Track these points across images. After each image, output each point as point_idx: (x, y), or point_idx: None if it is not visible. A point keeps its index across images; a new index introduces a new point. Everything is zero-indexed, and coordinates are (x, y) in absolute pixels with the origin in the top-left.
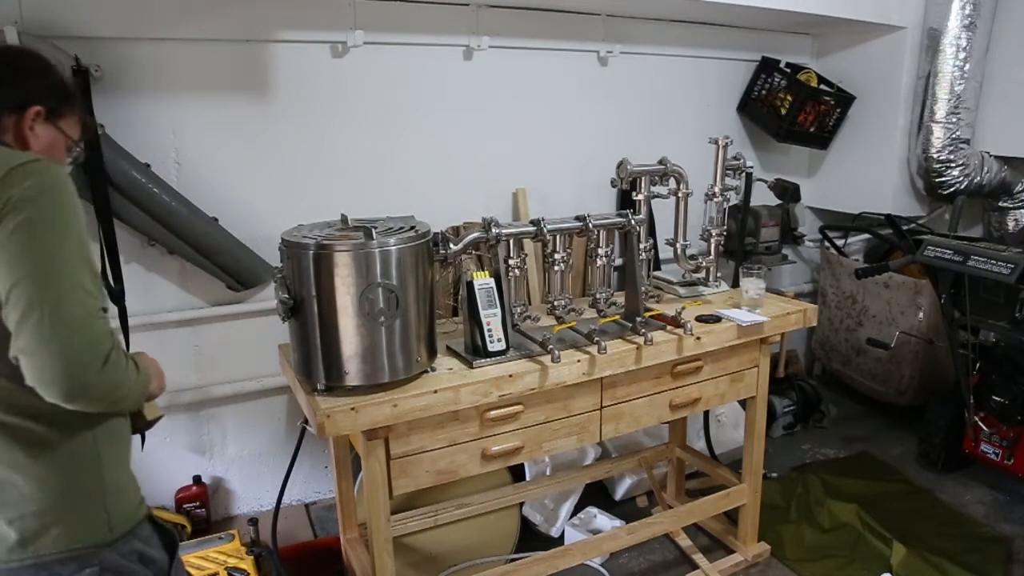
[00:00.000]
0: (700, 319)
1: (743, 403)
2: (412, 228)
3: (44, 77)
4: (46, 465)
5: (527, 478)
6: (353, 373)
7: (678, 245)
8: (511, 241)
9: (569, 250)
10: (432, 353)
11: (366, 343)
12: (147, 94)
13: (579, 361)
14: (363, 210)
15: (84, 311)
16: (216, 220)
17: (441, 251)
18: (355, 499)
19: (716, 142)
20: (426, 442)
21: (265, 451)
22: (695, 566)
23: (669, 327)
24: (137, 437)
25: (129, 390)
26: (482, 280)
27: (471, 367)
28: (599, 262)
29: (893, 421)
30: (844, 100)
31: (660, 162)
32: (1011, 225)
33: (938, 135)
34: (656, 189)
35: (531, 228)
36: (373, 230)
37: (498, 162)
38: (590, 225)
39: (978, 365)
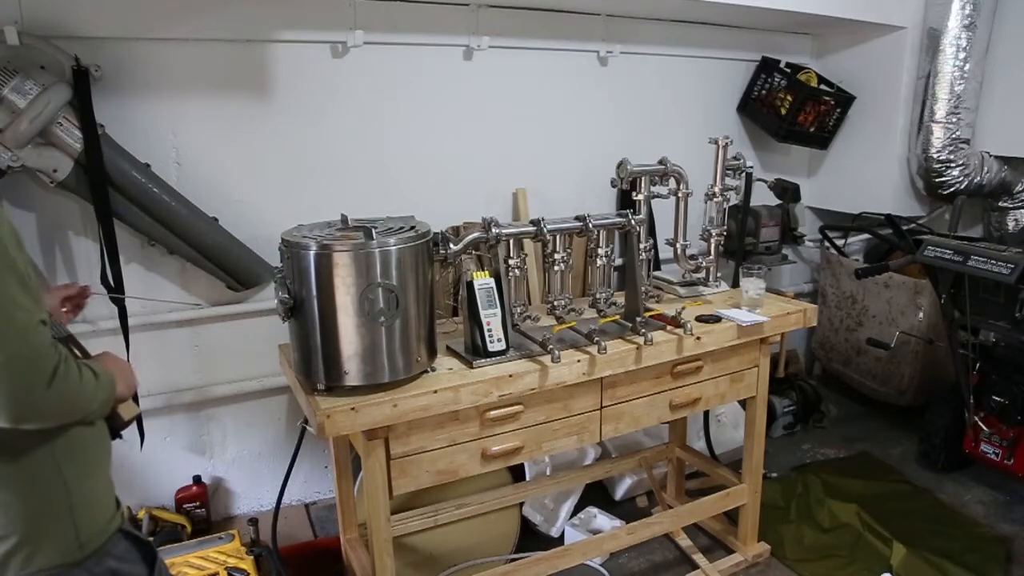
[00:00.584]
0: (700, 319)
1: (743, 403)
2: (412, 228)
3: None
4: (5, 490)
5: (527, 478)
6: (353, 373)
7: (678, 245)
8: (511, 241)
9: (569, 250)
10: (432, 353)
11: (366, 343)
12: (147, 94)
13: (579, 361)
14: (363, 210)
15: (17, 328)
16: (216, 220)
17: (441, 251)
18: (355, 499)
19: (716, 142)
20: (426, 442)
21: (265, 451)
22: (695, 566)
23: (669, 327)
24: (131, 437)
25: (89, 401)
26: (482, 280)
27: (471, 367)
28: (599, 262)
29: (893, 421)
30: (844, 100)
31: (660, 162)
32: (1011, 225)
33: (938, 135)
34: (656, 189)
35: (531, 228)
36: (373, 230)
37: (498, 162)
38: (590, 225)
39: (978, 365)
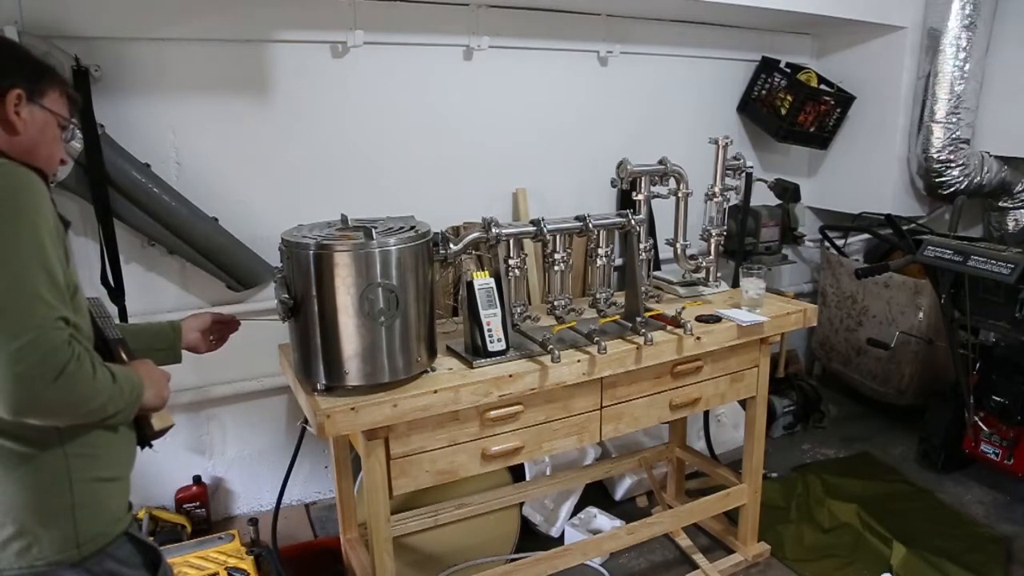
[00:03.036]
0: (700, 319)
1: (743, 403)
2: (412, 228)
3: (12, 58)
4: (9, 479)
5: (527, 478)
6: (353, 373)
7: (678, 245)
8: (511, 241)
9: (569, 250)
10: (432, 353)
11: (366, 343)
12: (147, 94)
13: (579, 361)
14: (363, 210)
15: (35, 321)
16: (216, 220)
17: (441, 251)
18: (355, 499)
19: (716, 142)
20: (426, 442)
21: (265, 451)
22: (695, 566)
23: (669, 327)
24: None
25: (105, 402)
26: (482, 280)
27: (471, 367)
28: (599, 262)
29: (893, 421)
30: (844, 100)
31: (660, 162)
32: (1011, 225)
33: (938, 135)
34: (656, 189)
35: (531, 228)
36: (373, 230)
37: (498, 162)
38: (590, 225)
39: (978, 365)
